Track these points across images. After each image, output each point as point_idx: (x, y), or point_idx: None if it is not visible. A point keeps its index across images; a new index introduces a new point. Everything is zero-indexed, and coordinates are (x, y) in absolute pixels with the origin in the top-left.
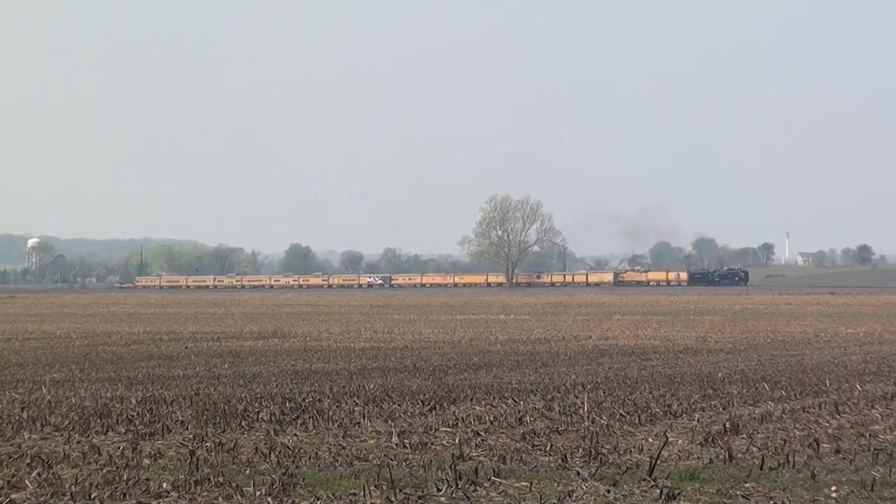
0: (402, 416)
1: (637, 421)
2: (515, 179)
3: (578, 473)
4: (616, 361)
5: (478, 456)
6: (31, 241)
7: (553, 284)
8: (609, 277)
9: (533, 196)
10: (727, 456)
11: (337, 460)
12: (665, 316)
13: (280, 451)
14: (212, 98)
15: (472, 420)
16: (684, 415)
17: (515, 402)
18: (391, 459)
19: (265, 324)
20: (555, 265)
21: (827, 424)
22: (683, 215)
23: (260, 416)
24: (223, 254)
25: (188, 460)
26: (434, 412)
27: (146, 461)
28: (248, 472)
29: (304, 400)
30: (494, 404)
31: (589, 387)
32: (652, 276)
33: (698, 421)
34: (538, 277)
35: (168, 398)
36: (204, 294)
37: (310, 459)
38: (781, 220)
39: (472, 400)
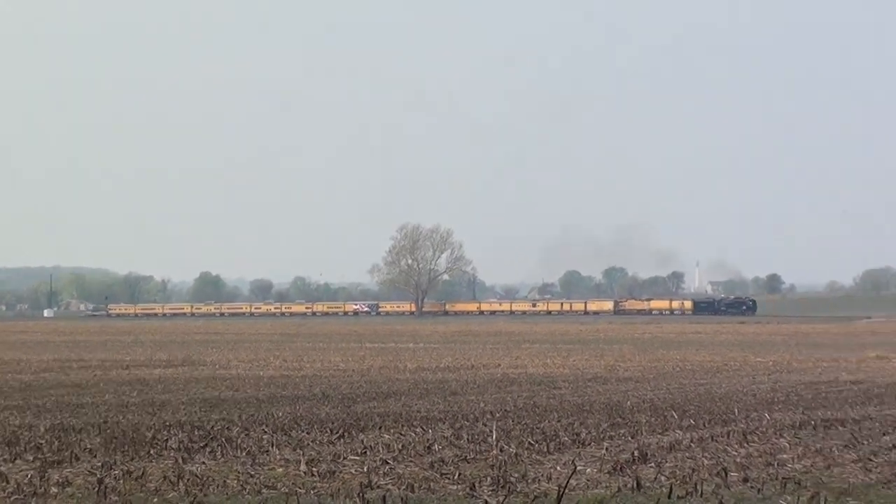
0: (311, 444)
1: (545, 449)
2: (427, 208)
3: (486, 502)
4: (525, 390)
5: (386, 484)
6: None
7: (549, 313)
8: (609, 306)
9: (443, 225)
10: (635, 485)
11: (245, 488)
12: (574, 344)
13: (188, 480)
14: (119, 124)
15: (380, 448)
16: (593, 443)
17: (424, 430)
18: (299, 488)
19: (175, 352)
20: (464, 293)
21: (735, 453)
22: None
23: (168, 444)
24: (133, 282)
25: (96, 488)
26: (342, 440)
27: (54, 489)
28: (156, 500)
29: (212, 428)
30: (403, 432)
31: (498, 415)
32: (655, 304)
33: (607, 449)
34: (534, 305)
35: (76, 426)
36: (118, 322)
37: (218, 487)
38: (692, 249)
39: (380, 428)
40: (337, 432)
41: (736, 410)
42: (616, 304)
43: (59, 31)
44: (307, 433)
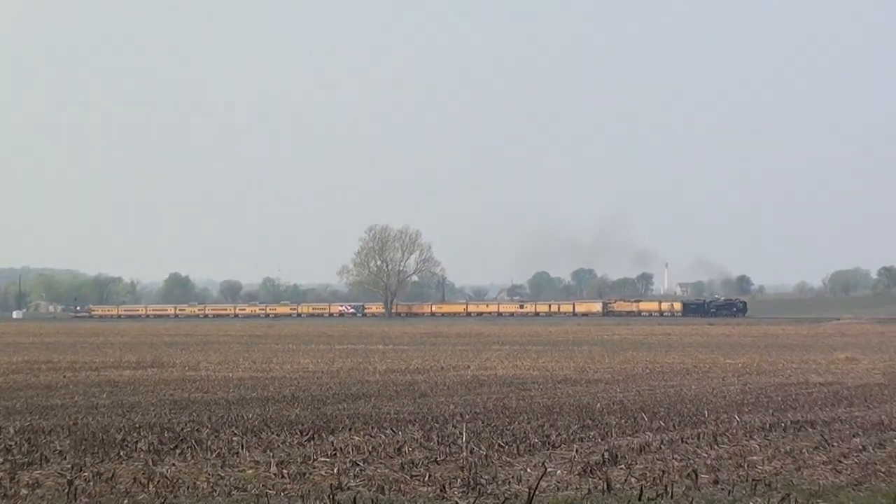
0: (281, 445)
1: (516, 451)
2: (397, 209)
3: None
4: (495, 392)
5: (356, 486)
6: None
7: (538, 314)
8: (598, 307)
9: (412, 226)
10: (605, 486)
11: (215, 490)
12: (544, 346)
13: (158, 482)
14: (86, 125)
15: (350, 450)
16: (563, 445)
17: (394, 432)
18: (269, 489)
19: (144, 353)
20: (434, 295)
21: (705, 455)
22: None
23: (138, 446)
24: (102, 283)
25: (66, 490)
26: (312, 442)
27: (24, 491)
28: (126, 502)
29: (182, 430)
30: (373, 434)
31: (467, 417)
32: (644, 306)
33: (577, 451)
34: (521, 307)
35: (46, 428)
36: (91, 324)
37: (188, 489)
38: (661, 250)
39: (350, 430)
40: (307, 434)
41: (706, 412)
42: (605, 305)
43: (22, 29)
44: (277, 435)
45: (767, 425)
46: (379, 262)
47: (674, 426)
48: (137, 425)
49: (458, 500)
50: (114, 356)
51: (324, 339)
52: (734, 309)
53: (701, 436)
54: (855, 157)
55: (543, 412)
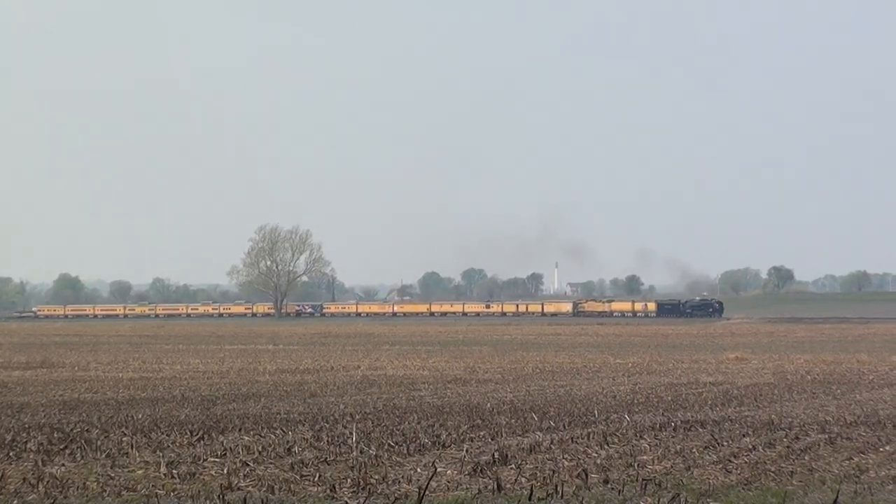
0: (171, 446)
1: (406, 451)
2: (286, 209)
3: None
4: (385, 392)
5: (246, 486)
6: None
7: (504, 314)
8: (568, 307)
9: (302, 226)
10: (496, 486)
11: (105, 490)
12: (434, 346)
13: (48, 482)
14: None
15: (240, 450)
16: (453, 445)
17: (284, 432)
18: (159, 490)
19: (33, 354)
20: (324, 295)
21: (596, 455)
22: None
23: (28, 447)
24: None
25: None
26: (202, 442)
27: None
28: (15, 502)
29: (71, 430)
30: (263, 434)
31: (357, 417)
32: (616, 306)
33: (467, 451)
34: (487, 307)
35: None
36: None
37: (78, 490)
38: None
39: (240, 430)
40: (197, 434)
41: (596, 412)
42: (575, 305)
43: None
44: (167, 435)
45: (657, 425)
46: (269, 263)
47: (564, 426)
48: (27, 426)
49: (347, 500)
50: (2, 356)
51: (213, 340)
52: (710, 310)
53: (591, 436)
54: (745, 158)
55: (433, 412)
